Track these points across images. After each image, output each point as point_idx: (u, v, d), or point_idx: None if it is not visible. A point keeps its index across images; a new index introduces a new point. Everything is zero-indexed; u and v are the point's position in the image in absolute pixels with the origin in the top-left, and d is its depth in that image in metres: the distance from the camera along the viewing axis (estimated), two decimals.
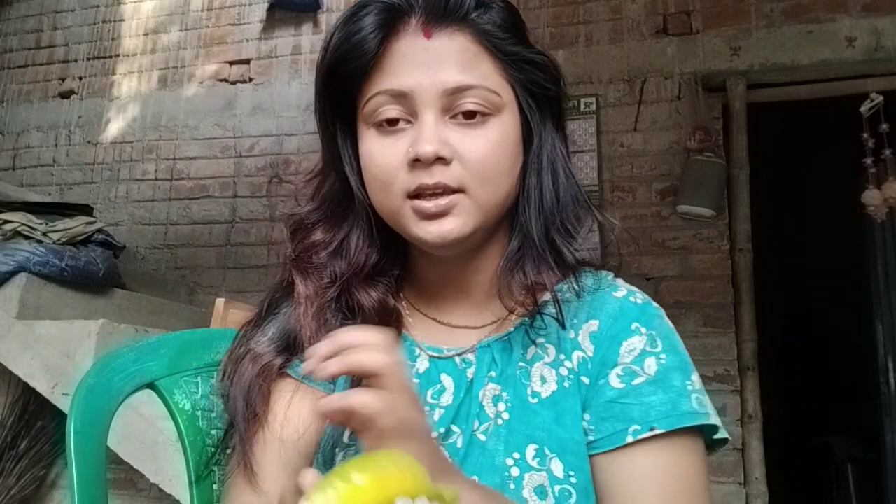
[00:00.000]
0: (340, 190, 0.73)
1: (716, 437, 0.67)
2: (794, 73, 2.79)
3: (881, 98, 2.63)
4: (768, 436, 2.59)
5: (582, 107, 2.96)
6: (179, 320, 2.64)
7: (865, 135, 2.64)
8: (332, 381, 0.71)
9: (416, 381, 0.70)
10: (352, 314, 0.72)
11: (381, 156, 0.66)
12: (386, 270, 0.74)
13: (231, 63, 3.56)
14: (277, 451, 0.67)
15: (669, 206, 2.78)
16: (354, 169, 0.72)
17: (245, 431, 0.67)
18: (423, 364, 0.71)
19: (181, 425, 0.75)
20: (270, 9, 3.50)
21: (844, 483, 3.87)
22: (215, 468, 0.76)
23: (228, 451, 0.72)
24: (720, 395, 2.61)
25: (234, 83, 3.52)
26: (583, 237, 0.73)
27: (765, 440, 2.56)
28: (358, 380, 0.68)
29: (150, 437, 1.84)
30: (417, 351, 0.72)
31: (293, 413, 0.69)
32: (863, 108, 2.64)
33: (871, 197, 2.65)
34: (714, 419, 0.65)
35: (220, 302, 1.51)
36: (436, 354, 0.71)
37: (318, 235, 0.73)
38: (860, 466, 3.83)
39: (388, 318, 0.72)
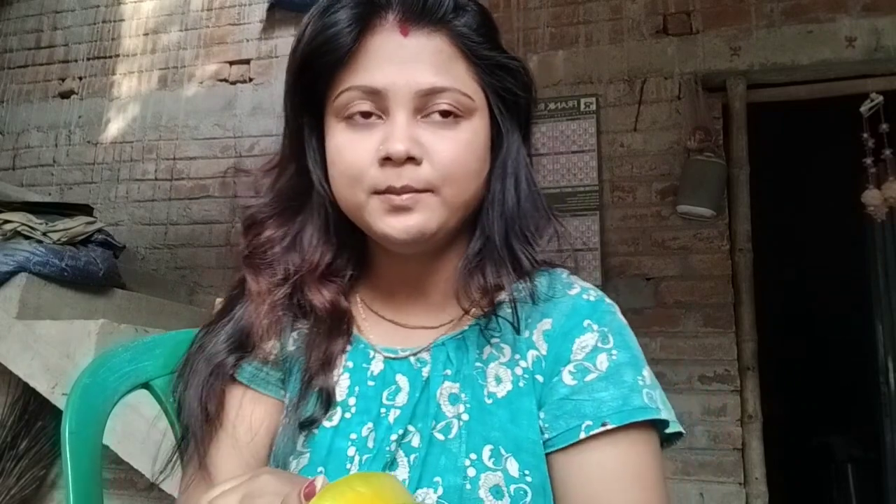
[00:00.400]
0: (298, 184, 0.73)
1: (670, 430, 0.67)
2: (794, 73, 2.79)
3: (881, 98, 2.62)
4: (768, 436, 2.59)
5: (582, 107, 2.96)
6: (179, 320, 2.64)
7: (865, 135, 2.64)
8: (283, 386, 0.71)
9: (371, 382, 0.70)
10: (303, 313, 0.72)
11: (351, 151, 0.66)
12: (340, 271, 0.74)
13: (231, 63, 3.56)
14: (232, 452, 0.67)
15: (669, 206, 2.78)
16: (318, 163, 0.71)
17: (199, 432, 0.67)
18: (377, 366, 0.71)
19: (176, 425, 0.75)
20: (270, 9, 3.50)
21: (844, 483, 3.87)
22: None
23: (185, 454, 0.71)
24: (720, 395, 2.61)
25: (234, 83, 3.52)
26: (541, 246, 0.73)
27: (765, 440, 2.56)
28: (308, 381, 0.68)
29: (151, 437, 1.84)
30: (372, 353, 0.72)
31: (245, 413, 0.69)
32: (863, 108, 2.63)
33: (871, 197, 2.65)
34: (665, 414, 0.66)
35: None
36: (391, 355, 0.71)
37: (271, 230, 0.72)
38: (860, 466, 3.82)
39: (339, 320, 0.72)
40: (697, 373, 2.64)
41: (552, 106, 2.98)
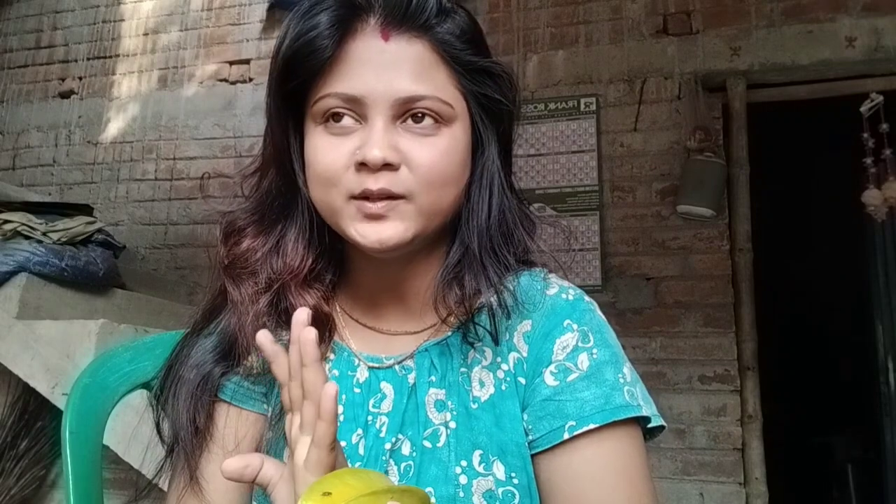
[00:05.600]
0: (280, 187, 0.71)
1: (653, 424, 0.68)
2: (794, 73, 2.79)
3: (881, 98, 2.63)
4: (768, 436, 2.59)
5: (582, 107, 2.96)
6: (179, 320, 2.63)
7: (865, 135, 2.64)
8: (266, 400, 0.71)
9: (357, 390, 0.70)
10: (286, 320, 0.70)
11: (327, 155, 0.65)
12: (322, 276, 0.73)
13: (231, 63, 3.56)
14: (222, 463, 0.67)
15: (669, 206, 2.78)
16: (300, 166, 0.70)
17: (190, 445, 0.67)
18: (362, 374, 0.71)
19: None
20: (270, 9, 3.50)
21: (844, 483, 3.87)
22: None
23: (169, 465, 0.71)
24: (720, 395, 2.61)
25: (234, 83, 3.52)
26: (522, 254, 0.73)
27: (765, 440, 2.56)
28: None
29: (153, 437, 1.83)
30: (356, 361, 0.71)
31: (231, 422, 0.69)
32: (863, 108, 2.64)
33: (871, 197, 2.65)
34: (646, 410, 0.66)
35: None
36: (375, 365, 0.71)
37: (251, 239, 0.71)
38: (860, 466, 3.82)
39: (322, 325, 0.71)
40: (697, 373, 2.64)
41: (552, 106, 2.98)
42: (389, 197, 0.63)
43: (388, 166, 0.63)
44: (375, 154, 0.62)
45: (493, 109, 0.70)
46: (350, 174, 0.64)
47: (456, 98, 0.67)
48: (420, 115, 0.64)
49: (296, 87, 0.67)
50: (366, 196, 0.63)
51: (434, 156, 0.65)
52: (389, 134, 0.64)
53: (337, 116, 0.65)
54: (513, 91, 0.71)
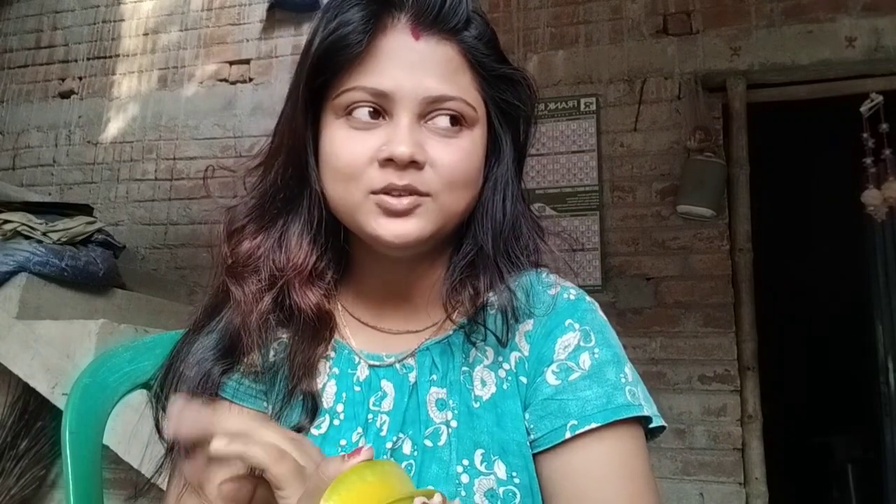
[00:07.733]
0: (288, 181, 0.70)
1: (654, 425, 0.68)
2: (794, 73, 2.79)
3: (881, 98, 2.63)
4: (768, 436, 2.59)
5: (582, 107, 2.96)
6: (179, 320, 2.62)
7: (865, 135, 2.65)
8: (266, 398, 0.71)
9: (357, 388, 0.70)
10: (287, 317, 0.71)
11: (348, 149, 0.65)
12: (324, 273, 0.73)
13: (231, 63, 3.56)
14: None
15: (669, 206, 2.78)
16: (314, 160, 0.69)
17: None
18: (363, 372, 0.71)
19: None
20: (270, 9, 3.51)
21: (844, 483, 3.87)
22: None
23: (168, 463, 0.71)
24: (720, 395, 2.61)
25: (234, 83, 3.52)
26: (527, 260, 0.73)
27: (765, 440, 2.56)
28: (293, 387, 0.69)
29: (153, 437, 1.83)
30: (357, 359, 0.71)
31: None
32: (863, 108, 2.64)
33: (871, 197, 2.65)
34: (647, 410, 0.66)
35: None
36: (376, 363, 0.71)
37: (251, 237, 0.71)
38: (860, 466, 3.82)
39: (323, 323, 0.71)
40: (697, 373, 2.64)
41: (552, 106, 2.98)
42: (413, 193, 0.63)
43: (413, 164, 0.63)
44: (403, 151, 0.62)
45: (512, 115, 0.71)
46: (372, 170, 0.63)
47: (478, 102, 0.67)
48: (445, 115, 0.65)
49: (323, 81, 0.66)
50: (387, 191, 0.63)
51: (456, 156, 0.65)
52: (415, 132, 0.64)
53: (363, 115, 0.64)
54: (532, 98, 0.72)
